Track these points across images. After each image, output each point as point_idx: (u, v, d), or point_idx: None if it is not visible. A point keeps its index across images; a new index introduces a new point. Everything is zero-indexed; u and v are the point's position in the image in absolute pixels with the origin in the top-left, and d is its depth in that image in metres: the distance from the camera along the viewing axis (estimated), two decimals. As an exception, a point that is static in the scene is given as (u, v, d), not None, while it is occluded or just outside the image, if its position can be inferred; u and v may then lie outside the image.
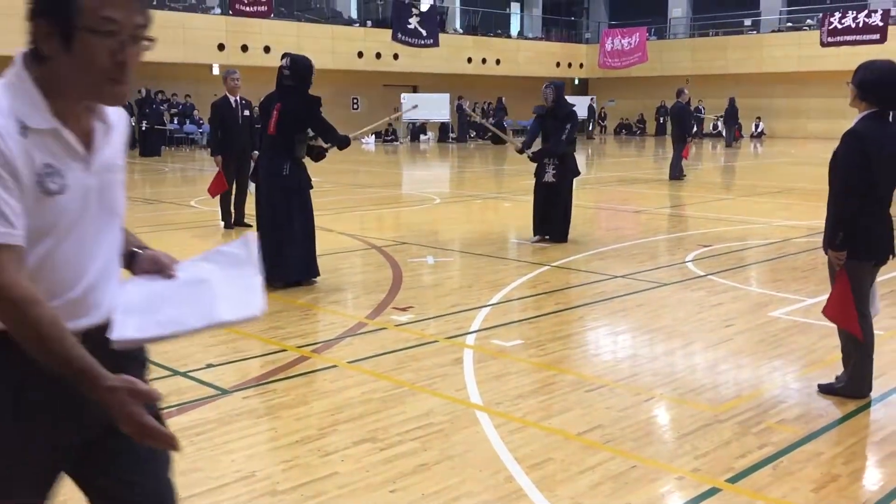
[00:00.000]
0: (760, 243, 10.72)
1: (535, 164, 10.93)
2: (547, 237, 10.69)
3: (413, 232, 11.67)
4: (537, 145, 10.92)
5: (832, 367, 5.43)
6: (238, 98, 11.52)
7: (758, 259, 9.75)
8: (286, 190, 8.00)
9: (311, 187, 8.38)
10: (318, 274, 8.17)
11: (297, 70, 7.90)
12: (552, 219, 10.68)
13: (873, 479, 3.99)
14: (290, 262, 7.87)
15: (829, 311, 4.92)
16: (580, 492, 3.79)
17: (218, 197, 11.67)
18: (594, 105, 40.98)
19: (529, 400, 4.97)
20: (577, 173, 11.11)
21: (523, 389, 5.15)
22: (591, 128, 39.87)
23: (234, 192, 11.61)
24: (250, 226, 11.63)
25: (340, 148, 8.55)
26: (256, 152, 11.58)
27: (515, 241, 11.07)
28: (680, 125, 18.89)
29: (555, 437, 4.42)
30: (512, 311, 7.18)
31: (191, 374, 5.44)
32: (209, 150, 11.90)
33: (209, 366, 5.59)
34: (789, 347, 6.06)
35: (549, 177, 10.69)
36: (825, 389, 5.11)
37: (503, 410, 4.80)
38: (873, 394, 5.03)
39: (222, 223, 11.74)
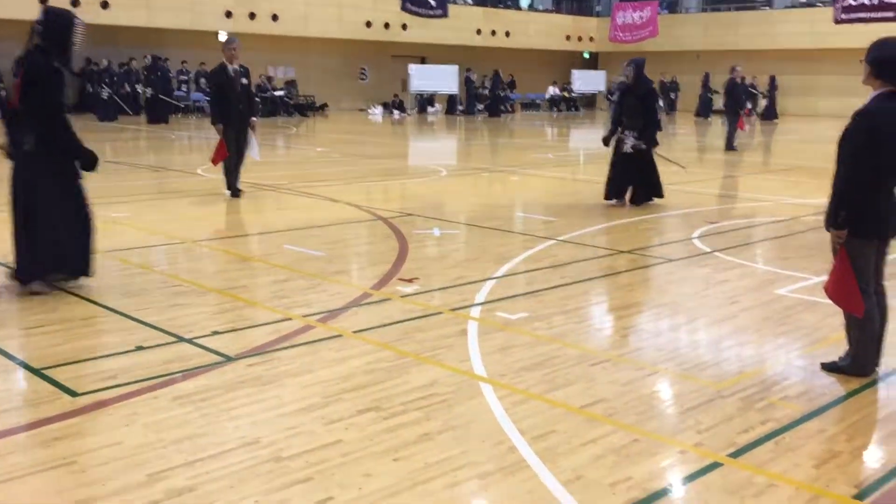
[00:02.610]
0: (768, 220, 10.68)
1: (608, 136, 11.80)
2: (619, 202, 11.49)
3: (419, 204, 11.65)
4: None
5: (837, 346, 5.43)
6: (236, 66, 11.55)
7: (765, 236, 9.71)
8: (35, 173, 6.40)
9: (78, 174, 6.68)
10: (87, 272, 6.75)
11: (50, 27, 6.36)
12: (638, 183, 11.44)
13: (875, 456, 4.00)
14: (39, 251, 6.48)
15: (829, 289, 4.92)
16: (582, 464, 3.81)
17: (221, 166, 11.71)
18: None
19: (533, 372, 4.98)
20: (657, 143, 11.64)
21: (527, 362, 5.16)
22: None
23: (233, 160, 11.69)
24: (242, 191, 11.75)
25: (83, 167, 6.71)
26: (255, 119, 11.72)
27: (522, 215, 11.06)
28: (733, 100, 20.03)
29: (558, 409, 4.44)
30: (517, 284, 7.18)
31: (196, 340, 5.46)
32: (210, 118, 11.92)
33: (215, 333, 5.62)
34: (794, 325, 6.06)
35: (627, 147, 11.35)
36: (829, 367, 5.11)
37: (507, 382, 4.81)
38: (878, 372, 5.03)
39: (228, 192, 11.79)
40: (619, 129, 11.52)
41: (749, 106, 23.58)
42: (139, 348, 5.29)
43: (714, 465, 3.82)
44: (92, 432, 4.06)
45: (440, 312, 6.22)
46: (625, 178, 11.52)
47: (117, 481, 3.57)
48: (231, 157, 11.62)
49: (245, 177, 13.28)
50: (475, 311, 6.27)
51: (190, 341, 5.45)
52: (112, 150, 19.29)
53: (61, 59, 6.43)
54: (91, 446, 3.91)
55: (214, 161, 11.74)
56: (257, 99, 30.47)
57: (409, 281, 7.15)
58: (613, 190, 11.58)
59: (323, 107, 34.69)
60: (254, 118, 11.83)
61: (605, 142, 11.86)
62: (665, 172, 12.05)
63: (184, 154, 18.94)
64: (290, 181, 13.69)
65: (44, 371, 4.89)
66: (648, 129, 11.37)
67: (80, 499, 3.42)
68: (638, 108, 11.30)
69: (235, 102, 11.46)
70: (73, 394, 4.55)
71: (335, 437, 4.04)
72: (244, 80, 11.59)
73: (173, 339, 5.50)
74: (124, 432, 4.06)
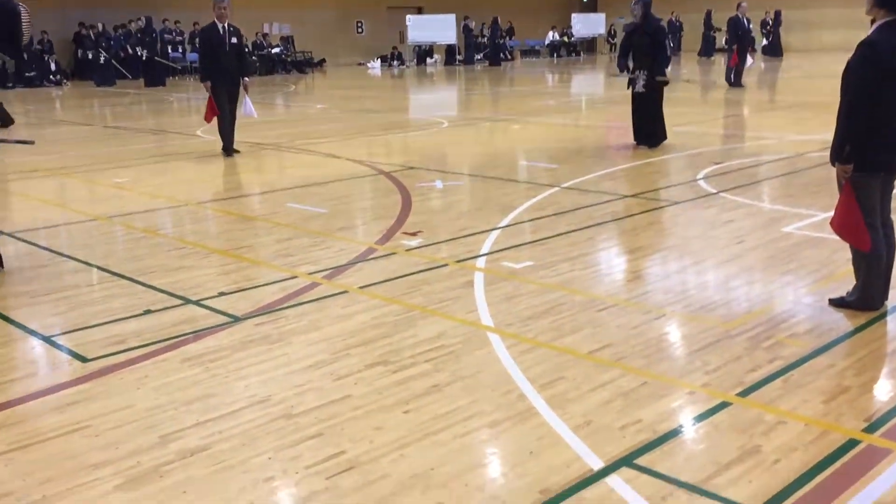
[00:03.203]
0: (773, 158, 10.58)
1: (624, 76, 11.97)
2: (641, 145, 11.67)
3: (421, 156, 11.58)
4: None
5: (844, 281, 5.41)
6: (225, 25, 11.54)
7: (770, 175, 9.63)
8: None
9: None
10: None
11: None
12: (645, 126, 11.62)
13: (884, 389, 4.01)
14: None
15: (835, 224, 4.88)
16: (591, 409, 3.82)
17: (216, 125, 11.86)
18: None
19: (540, 320, 4.98)
20: (666, 82, 11.68)
21: (534, 310, 5.16)
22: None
23: (226, 119, 11.77)
24: (238, 152, 11.81)
25: None
26: (247, 79, 11.76)
27: (525, 163, 10.98)
28: (734, 36, 20.15)
29: (566, 356, 4.45)
30: (522, 233, 7.15)
31: (203, 302, 5.47)
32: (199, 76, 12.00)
33: (221, 294, 5.63)
34: (801, 262, 6.03)
35: (639, 87, 11.52)
36: (836, 303, 5.09)
37: (514, 331, 4.82)
38: (887, 305, 5.01)
39: (223, 152, 11.89)
40: (630, 68, 11.61)
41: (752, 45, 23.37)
42: (147, 312, 5.31)
43: (723, 405, 3.83)
44: (104, 396, 4.09)
45: (445, 264, 6.21)
46: (644, 121, 11.65)
47: (131, 444, 3.61)
48: (224, 116, 11.68)
49: (246, 136, 13.21)
50: (481, 262, 6.26)
51: (197, 303, 5.46)
52: (112, 114, 19.18)
53: (10, 49, 6.17)
54: (103, 410, 3.94)
55: (207, 118, 11.86)
56: (254, 57, 30.30)
57: (414, 234, 7.13)
58: (636, 130, 11.79)
59: (321, 62, 34.34)
60: (246, 77, 11.86)
61: (621, 68, 11.90)
62: (669, 114, 11.94)
63: (183, 116, 18.81)
64: (290, 139, 13.61)
65: (53, 338, 4.91)
66: (659, 62, 11.39)
67: (95, 462, 3.46)
68: (647, 46, 11.32)
69: (225, 61, 11.47)
70: (83, 359, 4.57)
71: (344, 393, 4.07)
72: (234, 40, 11.57)
73: (180, 301, 5.51)
74: (136, 395, 4.09)
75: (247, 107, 11.89)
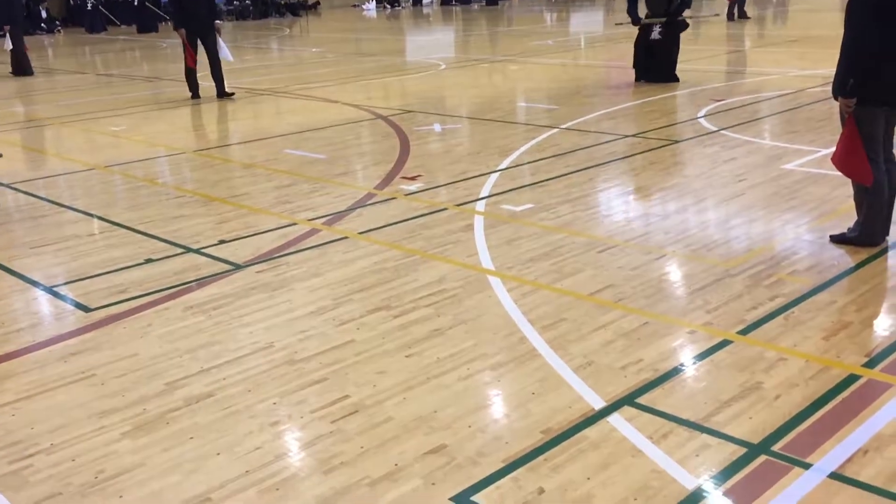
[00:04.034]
0: (774, 95, 10.47)
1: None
2: (646, 81, 11.71)
3: (419, 100, 11.45)
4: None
5: (846, 217, 5.39)
6: None
7: (772, 111, 9.54)
8: None
9: None
10: None
11: None
12: (659, 66, 11.57)
13: (885, 324, 4.02)
14: None
15: (837, 159, 4.84)
16: (593, 349, 3.84)
17: (197, 71, 12.05)
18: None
19: (541, 263, 4.98)
20: (686, 26, 11.65)
21: (535, 253, 5.16)
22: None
23: (207, 65, 11.90)
24: (233, 94, 11.87)
25: None
26: (219, 22, 12.09)
27: (524, 105, 10.87)
28: None
29: (567, 298, 4.46)
30: (522, 176, 7.11)
31: (204, 250, 5.47)
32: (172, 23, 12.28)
33: (221, 242, 5.62)
34: (802, 199, 6.01)
35: (655, 34, 11.47)
36: (837, 239, 5.09)
37: (515, 274, 4.82)
38: (888, 241, 5.01)
39: (190, 94, 12.10)
40: (642, 18, 11.54)
41: None
42: (148, 261, 5.31)
43: (724, 343, 3.85)
44: (108, 346, 4.12)
45: (445, 208, 6.19)
46: (650, 60, 11.59)
47: (136, 392, 3.64)
48: (211, 61, 11.82)
49: (241, 82, 13.07)
50: (480, 206, 6.24)
51: (198, 251, 5.46)
52: (103, 62, 18.95)
53: None
54: (108, 359, 3.97)
55: (189, 63, 11.95)
56: (248, 1, 29.80)
57: (413, 179, 7.09)
58: (639, 70, 11.76)
59: (315, 5, 33.78)
60: (217, 21, 12.03)
61: (633, 19, 11.71)
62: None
63: (177, 63, 18.51)
64: (286, 84, 13.46)
65: (55, 288, 4.92)
66: (679, 5, 11.29)
67: (102, 410, 3.49)
68: None
69: (193, 7, 11.61)
70: (86, 309, 4.59)
71: (347, 338, 4.09)
72: None
73: (181, 250, 5.50)
74: (140, 344, 4.12)
75: (222, 50, 12.00)
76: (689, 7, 11.62)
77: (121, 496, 2.90)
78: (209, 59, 11.80)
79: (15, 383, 3.77)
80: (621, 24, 12.44)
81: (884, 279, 4.59)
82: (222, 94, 12.01)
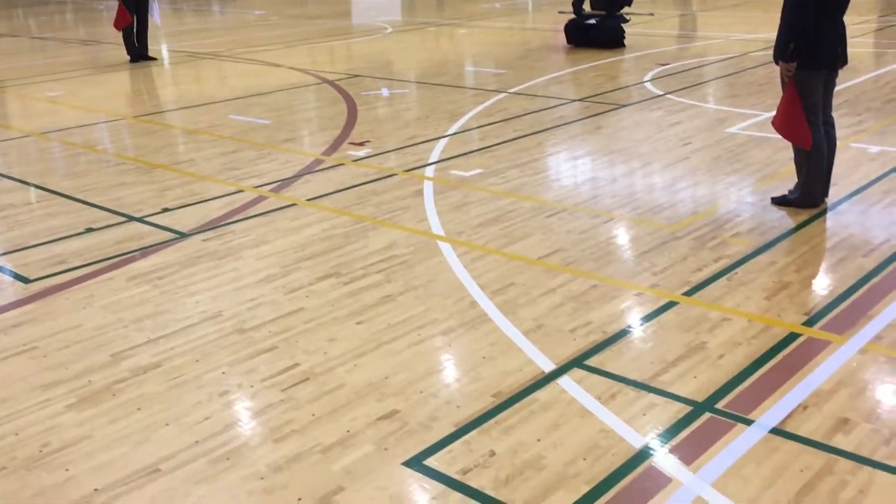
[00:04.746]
0: (718, 59, 10.59)
1: None
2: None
3: (366, 63, 11.31)
4: None
5: (786, 180, 5.51)
6: None
7: (716, 75, 9.65)
8: None
9: None
10: None
11: None
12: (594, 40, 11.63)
13: (823, 284, 4.14)
14: None
15: (778, 123, 4.93)
16: (542, 313, 3.88)
17: (133, 32, 11.82)
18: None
19: (490, 228, 5.00)
20: (627, 20, 11.76)
21: (484, 218, 5.17)
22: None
23: (135, 25, 11.77)
24: (154, 59, 11.71)
25: None
26: None
27: (472, 69, 10.82)
28: None
29: (516, 262, 4.49)
30: (470, 141, 7.10)
31: (147, 219, 5.36)
32: None
33: (165, 210, 5.51)
34: (745, 162, 6.11)
35: (592, 21, 11.51)
36: (778, 201, 5.19)
37: (465, 239, 4.83)
38: (827, 202, 5.13)
39: (128, 57, 11.90)
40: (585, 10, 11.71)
41: None
42: (89, 230, 5.18)
43: (670, 305, 3.92)
44: (49, 317, 4.02)
45: (394, 174, 6.15)
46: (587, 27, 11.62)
47: (81, 363, 3.57)
48: (134, 23, 11.68)
49: (182, 45, 12.76)
50: (430, 171, 6.22)
51: (141, 220, 5.35)
52: (37, 25, 18.29)
53: None
54: (50, 331, 3.88)
55: (117, 26, 11.75)
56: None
57: (361, 144, 7.03)
58: (574, 35, 11.76)
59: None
60: None
61: (576, 12, 11.84)
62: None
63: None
64: (229, 48, 13.17)
65: (-7, 260, 4.79)
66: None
67: (46, 383, 3.42)
68: None
69: None
70: (25, 280, 4.47)
71: (297, 306, 4.06)
72: None
73: (123, 218, 5.38)
74: (83, 315, 4.03)
75: (154, 13, 11.88)
76: (629, 4, 11.68)
77: (67, 469, 2.86)
78: (138, 19, 11.65)
79: (-47, 357, 3.67)
80: (564, 11, 12.43)
81: (823, 239, 4.71)
82: (144, 55, 11.92)
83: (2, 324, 3.98)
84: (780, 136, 5.13)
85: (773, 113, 5.07)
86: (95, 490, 2.74)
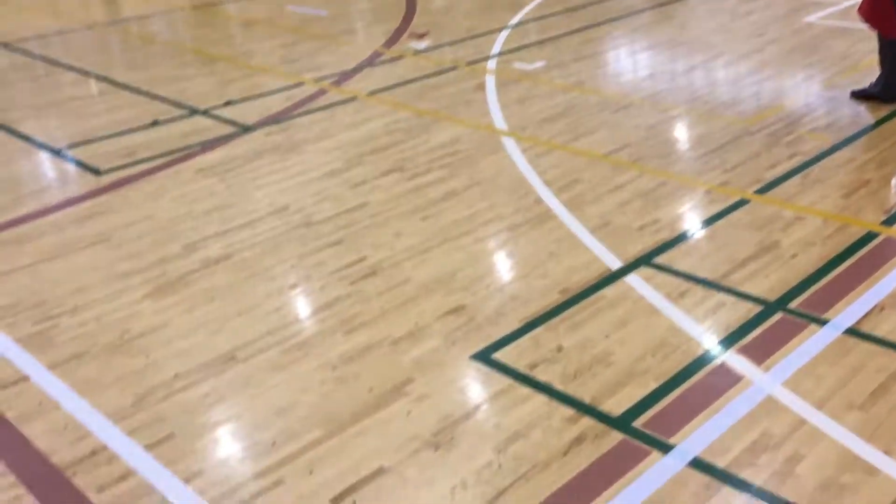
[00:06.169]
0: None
1: None
2: None
3: (423, -49, 10.95)
4: None
5: (867, 73, 5.25)
6: None
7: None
8: None
9: None
10: None
11: None
12: None
13: (903, 183, 3.99)
14: None
15: (864, 10, 4.65)
16: (609, 210, 3.82)
17: None
18: None
19: (555, 123, 4.89)
20: None
21: (548, 112, 5.06)
22: None
23: None
24: None
25: None
26: None
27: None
28: None
29: (582, 158, 4.40)
30: (533, 32, 6.89)
31: (211, 112, 5.37)
32: None
33: (229, 103, 5.51)
34: (823, 54, 5.83)
35: None
36: (858, 94, 4.96)
37: (529, 134, 4.74)
38: (909, 98, 4.90)
39: None
40: None
41: None
42: (155, 123, 5.22)
43: (741, 203, 3.83)
44: (122, 209, 4.10)
45: (455, 67, 6.03)
46: None
47: (154, 254, 3.65)
48: None
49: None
50: (491, 64, 6.07)
51: (205, 113, 5.36)
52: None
53: None
54: (123, 222, 3.96)
55: None
56: None
57: (420, 36, 6.87)
58: None
59: None
60: None
61: None
62: None
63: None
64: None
65: (64, 151, 4.86)
66: None
67: (120, 272, 3.51)
68: None
69: None
70: (97, 172, 4.55)
71: (362, 200, 4.06)
72: None
73: (187, 111, 5.40)
74: (154, 206, 4.10)
75: None
76: None
77: (147, 355, 2.96)
78: None
79: (31, 246, 3.79)
80: None
81: (905, 137, 4.51)
82: None
83: (76, 215, 4.08)
84: (861, 27, 4.86)
85: (854, 1, 4.78)
86: (176, 375, 2.85)
